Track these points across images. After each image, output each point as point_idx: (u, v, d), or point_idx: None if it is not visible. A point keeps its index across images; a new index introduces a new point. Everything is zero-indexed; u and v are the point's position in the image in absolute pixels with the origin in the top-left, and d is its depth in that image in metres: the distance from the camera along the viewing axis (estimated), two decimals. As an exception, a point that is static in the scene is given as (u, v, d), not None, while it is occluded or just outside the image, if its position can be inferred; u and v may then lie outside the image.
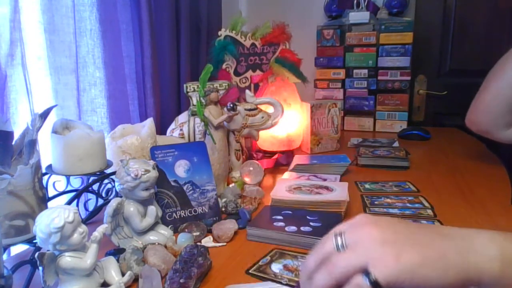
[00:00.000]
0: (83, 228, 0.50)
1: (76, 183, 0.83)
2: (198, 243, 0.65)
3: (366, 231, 0.39)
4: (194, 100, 1.00)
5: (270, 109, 0.99)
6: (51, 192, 0.75)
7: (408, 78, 1.56)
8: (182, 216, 0.74)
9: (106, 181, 0.79)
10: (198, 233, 0.69)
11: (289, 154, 1.19)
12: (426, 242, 0.38)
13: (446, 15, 1.74)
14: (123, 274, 0.54)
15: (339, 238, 0.40)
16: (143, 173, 0.63)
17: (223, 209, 0.79)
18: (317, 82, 1.67)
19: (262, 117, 0.96)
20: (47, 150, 0.73)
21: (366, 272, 0.36)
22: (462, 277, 0.36)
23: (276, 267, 0.54)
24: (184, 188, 0.74)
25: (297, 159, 1.15)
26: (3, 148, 0.59)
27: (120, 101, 1.05)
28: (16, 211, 0.56)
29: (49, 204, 0.69)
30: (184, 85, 1.01)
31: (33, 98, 0.79)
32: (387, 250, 0.37)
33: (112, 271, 0.54)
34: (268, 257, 0.56)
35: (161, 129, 1.16)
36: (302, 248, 0.64)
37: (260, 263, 0.54)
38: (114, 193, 0.80)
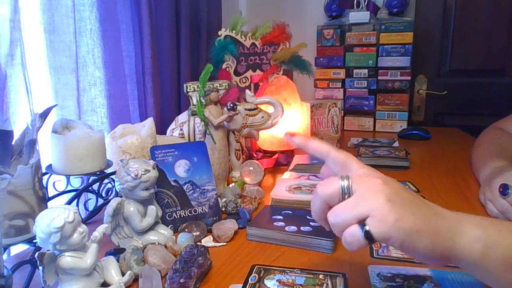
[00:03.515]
0: (83, 228, 0.50)
1: (76, 183, 0.83)
2: (198, 243, 0.65)
3: (377, 184, 0.40)
4: (194, 100, 1.00)
5: (270, 109, 0.99)
6: (51, 192, 0.75)
7: (408, 78, 1.56)
8: (182, 216, 0.74)
9: (106, 181, 0.79)
10: (198, 233, 0.69)
11: (289, 154, 1.19)
12: (425, 215, 0.39)
13: (446, 15, 1.75)
14: (123, 274, 0.54)
15: (346, 181, 0.41)
16: (143, 173, 0.63)
17: (223, 209, 0.79)
18: (317, 82, 1.68)
19: (262, 117, 0.96)
20: (47, 150, 0.73)
21: (361, 223, 0.38)
22: (445, 256, 0.38)
23: (271, 283, 0.53)
24: (184, 188, 0.74)
25: (297, 159, 1.15)
26: (3, 148, 0.59)
27: (120, 101, 1.05)
28: (16, 211, 0.56)
29: (49, 204, 0.69)
30: (184, 85, 1.01)
31: (33, 98, 0.79)
32: (392, 209, 0.38)
33: (112, 271, 0.54)
34: (254, 275, 0.55)
35: (161, 129, 1.16)
36: (300, 248, 0.64)
37: (250, 281, 0.53)
38: (114, 193, 0.80)
